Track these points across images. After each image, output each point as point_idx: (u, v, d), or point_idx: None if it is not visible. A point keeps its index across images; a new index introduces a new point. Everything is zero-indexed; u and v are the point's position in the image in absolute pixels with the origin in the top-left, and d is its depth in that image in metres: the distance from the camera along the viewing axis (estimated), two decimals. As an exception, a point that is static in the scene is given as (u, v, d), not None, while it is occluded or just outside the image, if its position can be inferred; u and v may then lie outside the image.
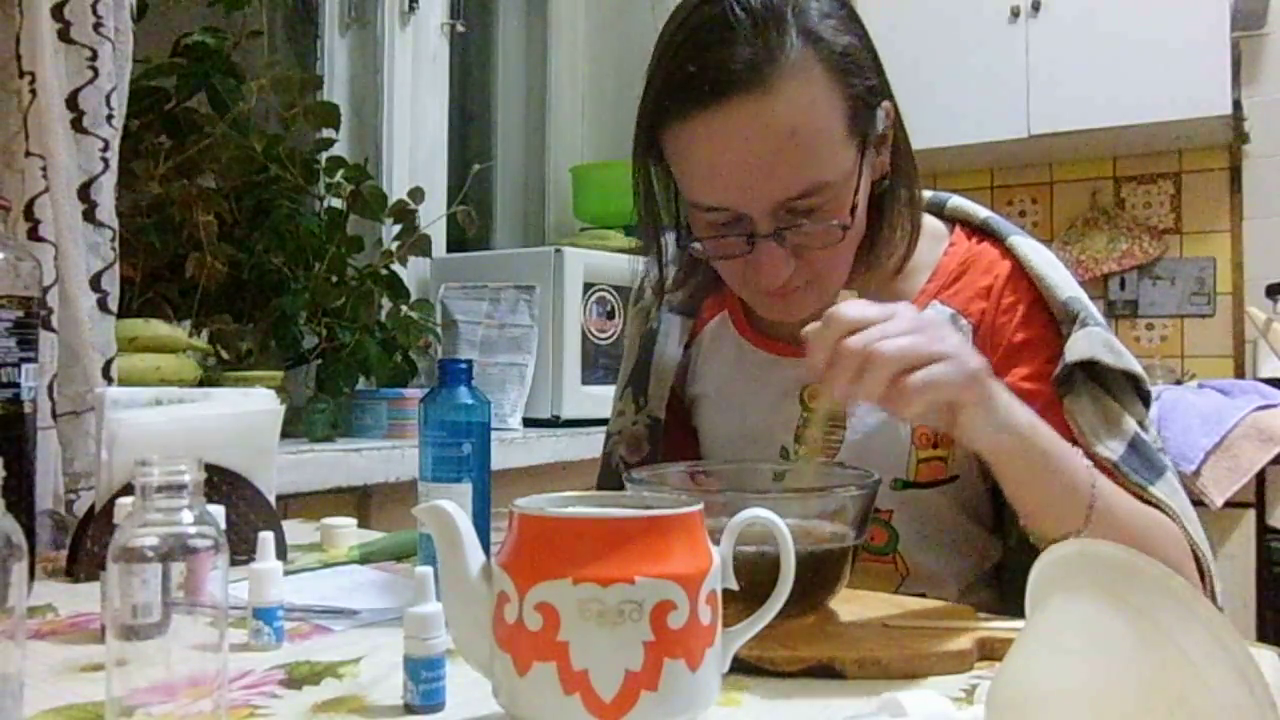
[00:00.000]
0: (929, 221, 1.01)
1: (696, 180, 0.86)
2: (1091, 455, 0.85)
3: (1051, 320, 0.92)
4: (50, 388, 1.14)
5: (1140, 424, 0.89)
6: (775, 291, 0.89)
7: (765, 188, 0.83)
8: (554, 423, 2.00)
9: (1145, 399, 0.90)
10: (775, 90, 0.80)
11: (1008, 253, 0.96)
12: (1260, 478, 2.06)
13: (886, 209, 0.93)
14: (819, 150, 0.83)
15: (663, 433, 1.08)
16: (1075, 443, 0.85)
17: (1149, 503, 0.84)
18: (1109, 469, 0.85)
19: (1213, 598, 0.85)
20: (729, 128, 0.82)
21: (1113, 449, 0.86)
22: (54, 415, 1.15)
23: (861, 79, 0.85)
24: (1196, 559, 0.84)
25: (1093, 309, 0.91)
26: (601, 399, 1.97)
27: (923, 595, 0.92)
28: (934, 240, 1.00)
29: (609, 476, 1.11)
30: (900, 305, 0.75)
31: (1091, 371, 0.88)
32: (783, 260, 0.86)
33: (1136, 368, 0.90)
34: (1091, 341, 0.88)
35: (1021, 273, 0.94)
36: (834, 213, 0.85)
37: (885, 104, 0.89)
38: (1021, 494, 0.79)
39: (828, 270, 0.90)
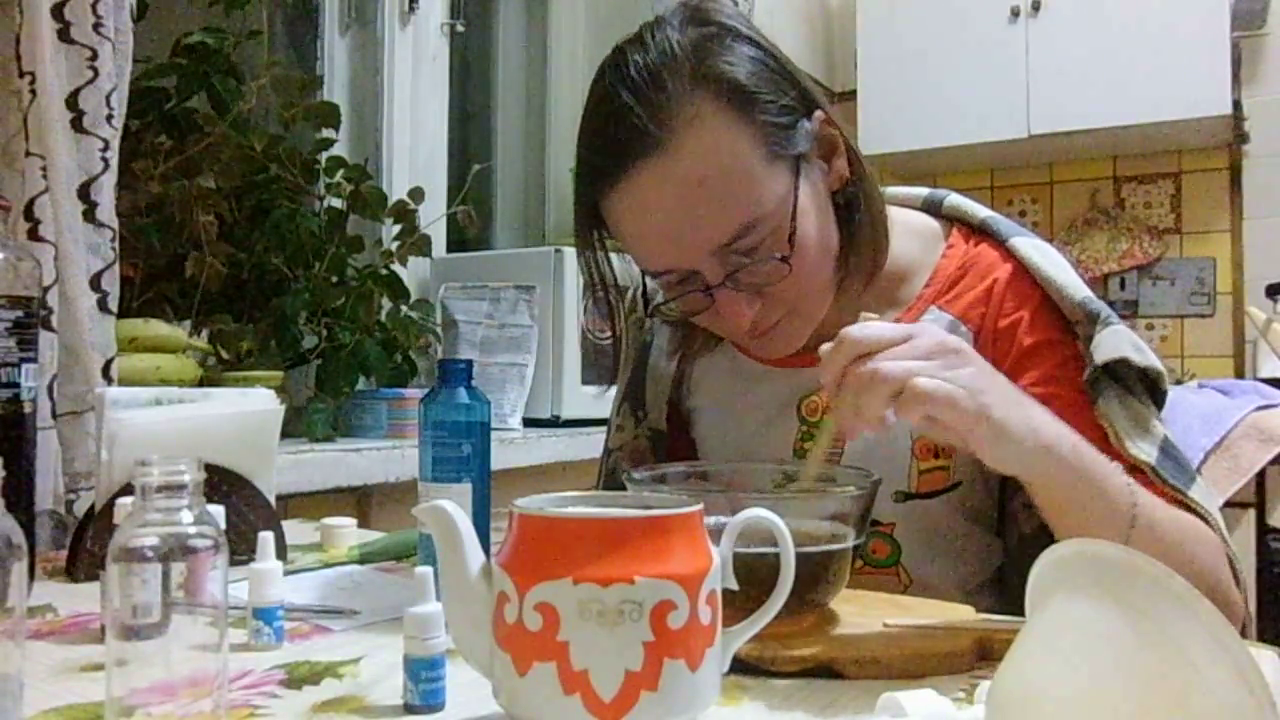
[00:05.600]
0: (925, 221, 0.99)
1: (634, 250, 0.88)
2: (1126, 458, 0.83)
3: (1059, 322, 0.90)
4: (50, 388, 1.14)
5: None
6: (752, 333, 0.88)
7: (695, 241, 0.82)
8: (554, 423, 2.00)
9: (1160, 401, 0.88)
10: (671, 147, 0.80)
11: (1009, 255, 0.93)
12: (1260, 478, 2.06)
13: (855, 215, 0.90)
14: (736, 190, 0.81)
15: (666, 444, 1.08)
16: (1107, 445, 0.83)
17: (1186, 506, 0.82)
18: (1144, 471, 0.83)
19: (1246, 602, 0.83)
20: (640, 196, 0.82)
21: (1147, 452, 0.83)
22: (54, 415, 1.15)
23: (770, 103, 0.83)
24: (1231, 564, 0.83)
25: (1108, 308, 0.89)
26: (601, 399, 1.97)
27: None
28: (931, 241, 0.97)
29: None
30: (919, 327, 0.72)
31: (1114, 373, 0.86)
32: (744, 304, 0.85)
33: (1160, 366, 0.87)
34: (1119, 340, 0.86)
35: (1024, 275, 0.91)
36: (775, 246, 0.83)
37: (816, 114, 0.86)
38: (1058, 518, 0.77)
39: (801, 299, 0.88)
